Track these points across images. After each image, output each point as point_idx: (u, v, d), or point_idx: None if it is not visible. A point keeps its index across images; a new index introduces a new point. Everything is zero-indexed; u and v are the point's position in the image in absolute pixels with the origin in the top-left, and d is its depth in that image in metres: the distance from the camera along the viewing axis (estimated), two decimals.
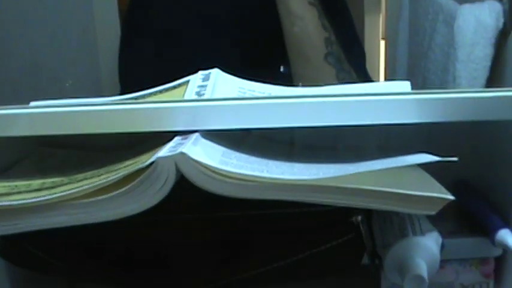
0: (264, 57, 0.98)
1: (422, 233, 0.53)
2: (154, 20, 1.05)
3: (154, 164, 0.43)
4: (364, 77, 0.93)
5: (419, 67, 1.01)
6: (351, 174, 0.44)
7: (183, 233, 0.51)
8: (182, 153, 0.43)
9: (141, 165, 0.44)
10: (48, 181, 0.51)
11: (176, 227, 0.51)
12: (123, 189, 0.44)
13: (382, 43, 1.21)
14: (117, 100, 0.57)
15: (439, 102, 0.51)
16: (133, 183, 0.44)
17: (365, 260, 0.55)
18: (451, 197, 0.44)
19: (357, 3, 1.22)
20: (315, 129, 0.52)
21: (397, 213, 0.56)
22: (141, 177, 0.43)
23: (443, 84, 0.89)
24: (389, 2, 1.19)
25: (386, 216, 0.56)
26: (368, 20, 1.20)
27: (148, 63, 1.05)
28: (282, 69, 0.87)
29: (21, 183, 0.52)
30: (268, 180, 0.44)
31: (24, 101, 0.55)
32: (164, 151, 0.45)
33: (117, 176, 0.44)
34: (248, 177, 0.44)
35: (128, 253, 0.54)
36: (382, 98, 0.51)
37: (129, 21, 1.08)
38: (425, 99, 0.51)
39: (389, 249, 0.52)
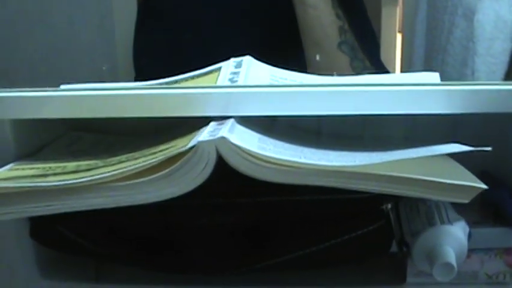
0: (280, 45, 0.99)
1: (450, 222, 0.54)
2: (170, 6, 1.05)
3: (195, 147, 0.44)
4: (378, 66, 0.93)
5: (436, 60, 1.01)
6: (387, 162, 0.45)
7: (213, 218, 0.52)
8: (223, 138, 0.44)
9: (182, 149, 0.44)
10: (83, 163, 0.52)
11: (206, 212, 0.51)
12: (164, 172, 0.44)
13: (399, 36, 1.22)
14: (149, 85, 0.58)
15: (469, 93, 0.52)
16: (174, 166, 0.44)
17: (392, 247, 0.55)
18: (484, 186, 0.45)
19: None
20: (342, 118, 0.53)
21: (423, 202, 0.57)
22: (182, 160, 0.44)
23: (461, 77, 0.90)
24: None
25: (413, 205, 0.57)
26: (385, 12, 1.20)
27: (162, 49, 1.05)
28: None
29: (54, 165, 0.53)
30: (307, 166, 0.45)
31: (41, 86, 0.55)
32: (204, 135, 0.45)
33: (158, 159, 0.45)
34: (287, 163, 0.44)
35: (157, 236, 0.54)
36: (413, 89, 0.52)
37: (145, 5, 1.08)
38: (456, 91, 0.52)
39: (417, 237, 0.53)
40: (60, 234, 0.53)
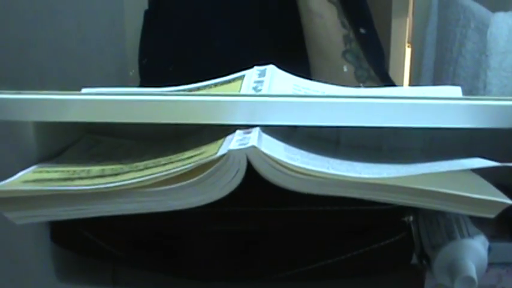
0: (286, 53, 0.99)
1: (470, 236, 0.54)
2: (177, 12, 1.05)
3: (226, 156, 0.44)
4: (383, 75, 0.94)
5: (447, 73, 1.02)
6: (415, 175, 0.45)
7: (235, 225, 0.52)
8: (254, 147, 0.44)
9: (212, 157, 0.44)
10: (107, 168, 0.52)
11: (229, 219, 0.51)
12: (194, 179, 0.45)
13: (408, 48, 1.23)
14: (172, 91, 0.58)
15: (491, 108, 0.52)
16: (205, 174, 0.44)
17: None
18: (510, 202, 0.45)
19: (384, 6, 1.23)
20: (361, 129, 0.53)
21: (443, 215, 0.57)
22: (212, 168, 0.44)
23: (473, 91, 0.90)
24: (417, 6, 1.20)
25: (433, 218, 0.57)
26: (395, 23, 1.21)
27: (168, 55, 1.05)
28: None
29: (79, 169, 0.53)
30: (336, 177, 0.45)
31: (50, 88, 0.55)
32: (234, 144, 0.45)
33: (189, 165, 0.45)
34: (316, 173, 0.45)
35: (177, 243, 0.55)
36: (435, 102, 0.52)
37: (151, 10, 1.08)
38: (478, 106, 0.52)
39: (438, 251, 0.53)
40: (83, 238, 0.53)
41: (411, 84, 1.25)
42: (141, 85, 1.05)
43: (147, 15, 1.09)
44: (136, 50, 1.08)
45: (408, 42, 1.25)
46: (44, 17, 1.02)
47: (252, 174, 0.46)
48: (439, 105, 0.52)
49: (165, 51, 1.06)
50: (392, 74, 1.17)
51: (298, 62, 0.98)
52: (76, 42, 1.13)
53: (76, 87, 0.61)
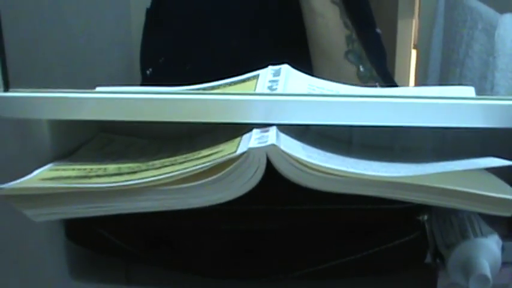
0: (287, 53, 0.99)
1: (484, 235, 0.54)
2: (178, 13, 1.05)
3: (245, 154, 0.44)
4: (385, 75, 0.94)
5: (454, 74, 1.02)
6: (432, 174, 0.46)
7: (252, 224, 0.52)
8: (274, 145, 0.44)
9: (232, 155, 0.44)
10: (124, 166, 0.52)
11: (246, 217, 0.52)
12: (214, 177, 0.45)
13: (414, 49, 1.23)
14: (188, 90, 0.58)
15: (505, 108, 0.52)
16: (224, 172, 0.45)
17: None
18: None
19: (390, 7, 1.23)
20: (373, 129, 0.54)
21: (456, 215, 0.57)
22: (232, 166, 0.44)
23: (480, 92, 0.90)
24: (423, 7, 1.20)
25: (446, 217, 0.58)
26: (401, 25, 1.21)
27: (169, 55, 1.05)
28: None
29: (95, 167, 0.53)
30: (355, 176, 0.45)
31: (56, 87, 0.56)
32: (253, 142, 0.45)
33: (209, 163, 0.45)
34: (336, 171, 0.45)
35: (192, 241, 0.55)
36: (449, 102, 0.52)
37: (152, 11, 1.08)
38: (492, 105, 0.52)
39: (452, 249, 0.54)
40: (97, 235, 0.53)
41: (417, 85, 1.26)
42: (150, 84, 1.05)
43: (149, 14, 1.09)
44: None
45: (414, 45, 1.26)
46: (51, 17, 1.02)
47: (266, 173, 0.46)
48: (453, 105, 0.52)
49: (168, 56, 1.06)
50: (397, 75, 1.17)
51: (300, 62, 0.98)
52: (83, 42, 1.13)
53: (82, 86, 0.61)
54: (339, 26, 0.86)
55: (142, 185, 0.46)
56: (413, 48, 1.29)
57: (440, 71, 1.11)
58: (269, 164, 0.46)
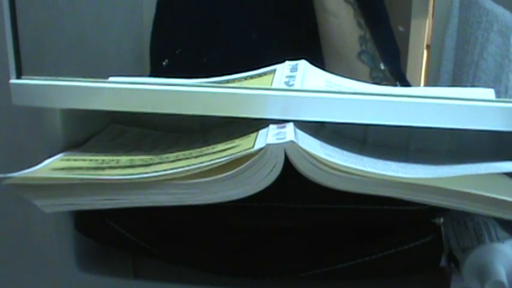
0: (300, 52, 0.98)
1: (500, 240, 0.53)
2: (189, 5, 1.05)
3: (263, 150, 0.44)
4: (399, 76, 0.93)
5: (467, 75, 1.01)
6: (452, 177, 0.45)
7: (263, 221, 0.51)
8: (292, 142, 0.43)
9: (249, 151, 0.44)
10: (136, 158, 0.51)
11: (257, 215, 0.51)
12: (230, 172, 0.44)
13: (426, 49, 1.22)
14: (203, 83, 0.57)
15: None
16: (241, 167, 0.44)
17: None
18: None
19: (403, 7, 1.22)
20: (389, 129, 0.53)
21: (471, 219, 0.56)
22: (249, 162, 0.44)
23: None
24: (437, 8, 1.19)
25: (461, 221, 0.57)
26: (414, 25, 1.20)
27: (179, 47, 1.05)
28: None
29: (107, 158, 0.52)
30: (374, 176, 0.44)
31: (67, 76, 0.55)
32: (270, 138, 0.45)
33: (225, 158, 0.44)
34: (354, 171, 0.44)
35: (203, 236, 0.54)
36: (468, 103, 0.52)
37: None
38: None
39: (468, 254, 0.53)
40: (107, 228, 0.52)
41: (427, 86, 1.25)
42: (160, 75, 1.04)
43: (161, 4, 1.08)
44: None
45: (427, 46, 1.25)
46: (63, 6, 1.01)
47: (282, 170, 0.45)
48: (473, 107, 0.51)
49: (178, 48, 1.05)
50: (410, 75, 1.16)
51: (312, 62, 0.97)
52: (94, 32, 1.12)
53: (94, 77, 0.60)
54: (352, 26, 0.86)
55: (156, 179, 0.45)
56: (426, 48, 1.28)
57: (453, 72, 1.09)
58: (284, 162, 0.45)
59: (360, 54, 0.85)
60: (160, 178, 0.45)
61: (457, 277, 0.55)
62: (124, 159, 0.51)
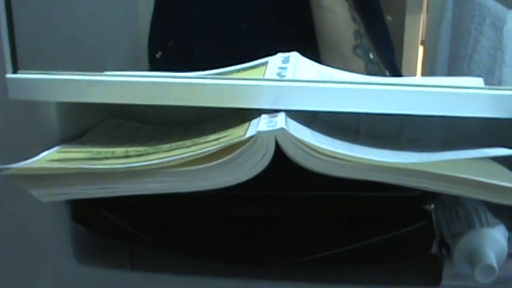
0: (295, 47, 0.99)
1: (490, 225, 0.54)
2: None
3: (254, 137, 0.44)
4: (393, 69, 0.94)
5: (461, 69, 1.02)
6: (443, 161, 0.45)
7: (259, 210, 0.52)
8: (283, 129, 0.44)
9: (240, 138, 0.44)
10: (132, 149, 0.52)
11: (253, 203, 0.52)
12: (222, 160, 0.45)
13: (421, 45, 1.23)
14: (197, 75, 0.58)
15: None
16: (232, 155, 0.44)
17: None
18: None
19: (398, 2, 1.23)
20: (381, 119, 0.53)
21: (462, 205, 0.57)
22: (240, 149, 0.44)
23: None
24: (432, 3, 1.20)
25: (452, 208, 0.57)
26: (409, 20, 1.21)
27: (177, 42, 1.05)
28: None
29: (103, 150, 0.53)
30: (363, 161, 0.45)
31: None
32: (262, 126, 0.45)
33: (218, 146, 0.45)
34: (344, 157, 0.45)
35: (198, 225, 0.55)
36: (458, 91, 0.52)
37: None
38: (501, 96, 0.52)
39: (458, 239, 0.53)
40: (103, 218, 0.53)
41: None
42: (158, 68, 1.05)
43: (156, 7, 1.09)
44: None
45: (422, 41, 1.25)
46: (59, 5, 1.02)
47: (273, 159, 0.46)
48: (462, 94, 0.52)
49: (176, 43, 1.05)
50: (405, 70, 1.17)
51: (308, 56, 0.98)
52: (90, 30, 1.13)
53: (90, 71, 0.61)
54: (347, 21, 0.86)
55: (150, 167, 0.46)
56: (421, 44, 1.29)
57: (447, 66, 1.10)
58: (276, 150, 0.45)
59: (354, 48, 0.86)
60: (154, 166, 0.46)
61: (448, 263, 0.56)
62: (119, 150, 0.52)
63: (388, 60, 0.93)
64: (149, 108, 0.61)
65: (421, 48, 1.27)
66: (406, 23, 1.23)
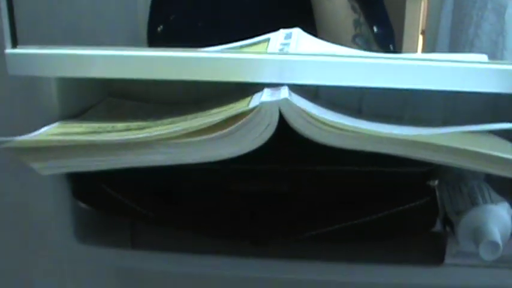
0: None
1: (493, 202, 0.54)
2: None
3: (258, 108, 0.44)
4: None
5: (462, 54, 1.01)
6: (448, 133, 0.45)
7: (262, 184, 0.52)
8: (287, 99, 0.44)
9: (244, 109, 0.44)
10: (132, 124, 0.52)
11: (256, 178, 0.51)
12: (225, 131, 0.44)
13: (422, 34, 1.22)
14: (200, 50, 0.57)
15: None
16: (235, 125, 0.44)
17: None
18: None
19: None
20: (383, 98, 0.53)
21: (465, 184, 0.57)
22: (244, 119, 0.44)
23: None
24: None
25: (455, 185, 0.57)
26: (409, 7, 1.21)
27: (177, 28, 1.05)
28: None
29: (103, 125, 0.52)
30: (368, 132, 0.45)
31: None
32: (265, 97, 0.45)
33: (220, 117, 0.44)
34: (349, 128, 0.44)
35: (203, 200, 0.54)
36: (462, 66, 0.52)
37: None
38: (505, 70, 0.52)
39: (462, 216, 0.53)
40: (104, 194, 0.52)
41: None
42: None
43: None
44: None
45: (422, 31, 1.25)
46: None
47: (278, 134, 0.45)
48: (465, 69, 0.52)
49: (176, 28, 1.05)
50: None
51: None
52: (89, 19, 1.13)
53: None
54: (347, 10, 0.86)
55: (152, 139, 0.45)
56: (421, 34, 1.29)
57: (449, 51, 1.10)
58: (280, 125, 0.45)
59: (354, 37, 0.86)
60: (156, 138, 0.45)
61: (452, 242, 0.56)
62: (120, 125, 0.51)
63: (388, 50, 0.92)
64: (150, 88, 0.60)
65: (421, 38, 1.27)
66: (406, 11, 1.23)
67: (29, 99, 0.57)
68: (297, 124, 0.44)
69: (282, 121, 0.45)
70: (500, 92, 0.52)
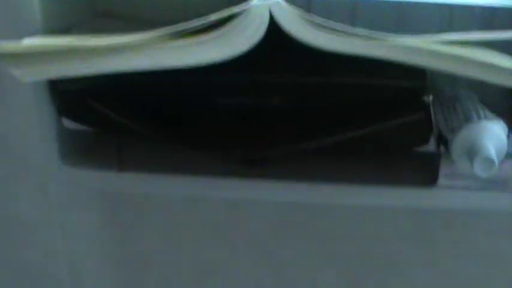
0: None
1: (488, 119, 0.52)
2: None
3: (247, 10, 0.42)
4: None
5: None
6: (443, 41, 0.44)
7: (256, 97, 0.50)
8: (278, 1, 0.42)
9: (234, 11, 0.42)
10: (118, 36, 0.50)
11: (250, 90, 0.50)
12: (214, 34, 0.43)
13: None
14: None
15: None
16: (224, 28, 0.42)
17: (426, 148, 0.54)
18: None
19: None
20: (378, 11, 0.51)
21: (460, 102, 0.56)
22: (233, 22, 0.42)
23: None
24: None
25: (450, 104, 0.56)
26: None
27: None
28: None
29: (87, 37, 0.50)
30: (362, 35, 0.43)
31: None
32: (255, 2, 0.43)
33: (210, 20, 0.43)
34: (341, 29, 0.43)
35: (191, 113, 0.53)
36: None
37: None
38: None
39: (457, 133, 0.52)
40: (90, 108, 0.51)
41: None
42: None
43: None
44: None
45: None
46: None
47: (268, 46, 0.44)
48: None
49: None
50: None
51: None
52: None
53: None
54: None
55: (139, 43, 0.43)
56: None
57: None
58: (271, 35, 0.43)
59: None
60: (143, 42, 0.43)
61: (446, 162, 0.55)
62: (105, 37, 0.49)
63: None
64: (136, 8, 0.58)
65: None
66: None
67: (10, 15, 0.54)
68: (288, 26, 0.42)
69: (273, 30, 0.43)
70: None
